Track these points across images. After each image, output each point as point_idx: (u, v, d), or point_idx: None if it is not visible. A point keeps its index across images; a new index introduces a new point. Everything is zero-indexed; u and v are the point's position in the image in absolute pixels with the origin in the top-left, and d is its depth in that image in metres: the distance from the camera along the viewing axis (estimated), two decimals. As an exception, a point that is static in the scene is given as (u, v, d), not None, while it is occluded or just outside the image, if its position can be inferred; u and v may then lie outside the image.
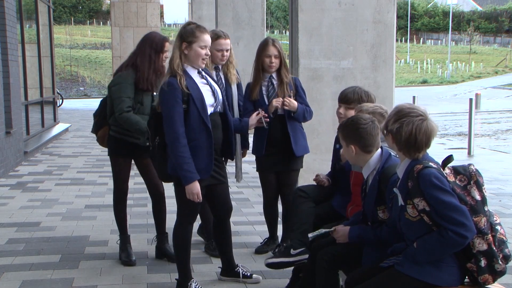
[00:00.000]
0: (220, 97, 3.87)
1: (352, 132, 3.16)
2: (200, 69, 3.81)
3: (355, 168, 3.48)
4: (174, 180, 3.80)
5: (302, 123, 4.73)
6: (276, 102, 4.46)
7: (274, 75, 4.59)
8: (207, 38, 3.74)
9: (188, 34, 3.69)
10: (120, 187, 4.68)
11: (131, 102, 4.35)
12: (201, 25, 3.79)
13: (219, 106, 3.86)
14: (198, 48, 3.70)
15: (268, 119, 4.14)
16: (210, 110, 3.78)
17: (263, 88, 4.61)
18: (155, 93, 4.45)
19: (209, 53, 3.83)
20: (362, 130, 3.12)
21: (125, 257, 4.64)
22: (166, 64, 4.30)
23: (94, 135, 4.84)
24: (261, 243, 5.00)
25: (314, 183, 4.04)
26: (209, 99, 3.76)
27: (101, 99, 4.75)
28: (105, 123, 4.59)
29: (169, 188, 4.53)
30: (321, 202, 3.90)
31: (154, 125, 3.85)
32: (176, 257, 3.99)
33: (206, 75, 3.87)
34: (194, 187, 3.63)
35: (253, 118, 4.14)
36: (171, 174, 3.76)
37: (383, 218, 3.10)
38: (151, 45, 4.41)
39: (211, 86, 3.82)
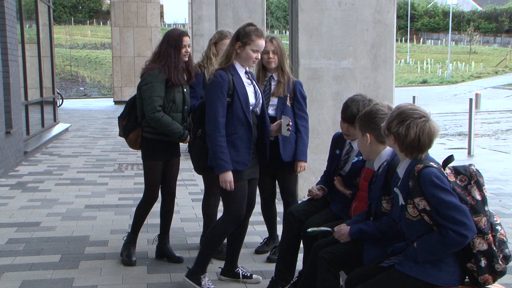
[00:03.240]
0: (261, 100, 3.94)
1: (369, 121, 3.22)
2: (247, 70, 3.90)
3: (368, 165, 3.50)
4: (212, 172, 3.85)
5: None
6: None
7: (274, 75, 4.52)
8: (261, 43, 3.83)
9: (244, 35, 3.78)
10: (152, 192, 4.60)
11: (161, 101, 4.34)
12: (260, 29, 3.86)
13: (258, 108, 3.92)
14: (249, 51, 3.80)
15: (290, 128, 4.07)
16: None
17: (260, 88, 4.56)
18: (185, 90, 4.48)
19: (259, 57, 3.90)
20: (380, 120, 3.15)
21: (126, 256, 4.62)
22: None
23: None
24: (260, 243, 5.00)
25: (310, 185, 4.05)
26: (251, 99, 3.84)
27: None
28: (137, 125, 4.51)
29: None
30: (319, 211, 3.90)
31: (199, 116, 3.93)
32: (203, 250, 3.99)
33: (252, 77, 3.95)
34: (227, 176, 3.71)
35: (274, 126, 4.07)
36: (211, 166, 3.82)
37: (386, 209, 3.11)
38: (168, 41, 4.41)
39: (254, 87, 3.91)
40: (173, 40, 4.39)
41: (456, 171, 2.80)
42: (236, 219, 3.91)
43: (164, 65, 4.35)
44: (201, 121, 3.90)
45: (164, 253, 4.71)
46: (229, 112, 3.75)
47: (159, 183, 4.61)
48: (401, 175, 2.84)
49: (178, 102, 4.43)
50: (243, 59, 3.83)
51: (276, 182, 4.77)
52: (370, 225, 3.13)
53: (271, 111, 4.48)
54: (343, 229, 3.24)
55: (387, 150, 3.21)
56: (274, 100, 4.49)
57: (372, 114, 3.23)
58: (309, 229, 3.45)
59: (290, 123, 4.00)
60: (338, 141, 3.94)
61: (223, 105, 3.72)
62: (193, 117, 4.04)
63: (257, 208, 6.24)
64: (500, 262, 2.73)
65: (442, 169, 2.75)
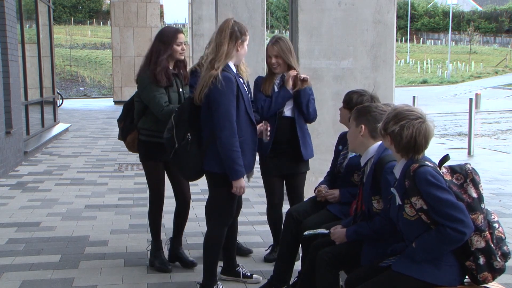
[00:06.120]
0: (250, 97, 3.90)
1: (367, 112, 3.23)
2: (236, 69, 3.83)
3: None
4: (212, 178, 3.76)
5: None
6: (292, 73, 4.34)
7: (286, 74, 4.40)
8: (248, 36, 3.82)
9: (241, 33, 3.71)
10: (156, 192, 4.50)
11: (166, 96, 4.24)
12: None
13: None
14: (246, 46, 3.78)
15: (270, 134, 4.08)
16: None
17: (275, 87, 4.44)
18: (180, 89, 4.36)
19: None
20: (377, 115, 3.19)
21: (159, 263, 4.49)
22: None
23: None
24: (266, 250, 4.84)
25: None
26: None
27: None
28: (133, 128, 4.44)
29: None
30: (318, 211, 3.89)
31: (188, 119, 3.72)
32: (206, 260, 3.90)
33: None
34: (242, 181, 3.67)
35: (257, 128, 4.09)
36: (209, 171, 3.71)
37: (377, 209, 3.13)
38: (160, 39, 4.31)
39: (246, 86, 3.87)
40: (165, 37, 4.30)
41: (452, 170, 2.81)
42: (229, 222, 3.90)
43: (153, 64, 4.25)
44: (191, 124, 3.71)
45: (178, 256, 4.59)
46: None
47: (162, 182, 4.51)
48: (397, 175, 2.85)
49: (174, 102, 4.31)
50: (240, 56, 3.77)
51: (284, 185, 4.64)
52: (364, 227, 3.14)
53: (289, 112, 4.43)
54: (339, 231, 3.25)
55: (375, 146, 3.22)
56: (290, 101, 4.42)
57: (371, 107, 3.27)
58: (306, 232, 3.44)
59: (269, 129, 4.01)
60: (343, 138, 3.96)
61: (235, 109, 3.62)
62: (179, 119, 3.73)
63: (257, 208, 6.27)
64: (499, 259, 2.74)
65: (437, 168, 2.76)
